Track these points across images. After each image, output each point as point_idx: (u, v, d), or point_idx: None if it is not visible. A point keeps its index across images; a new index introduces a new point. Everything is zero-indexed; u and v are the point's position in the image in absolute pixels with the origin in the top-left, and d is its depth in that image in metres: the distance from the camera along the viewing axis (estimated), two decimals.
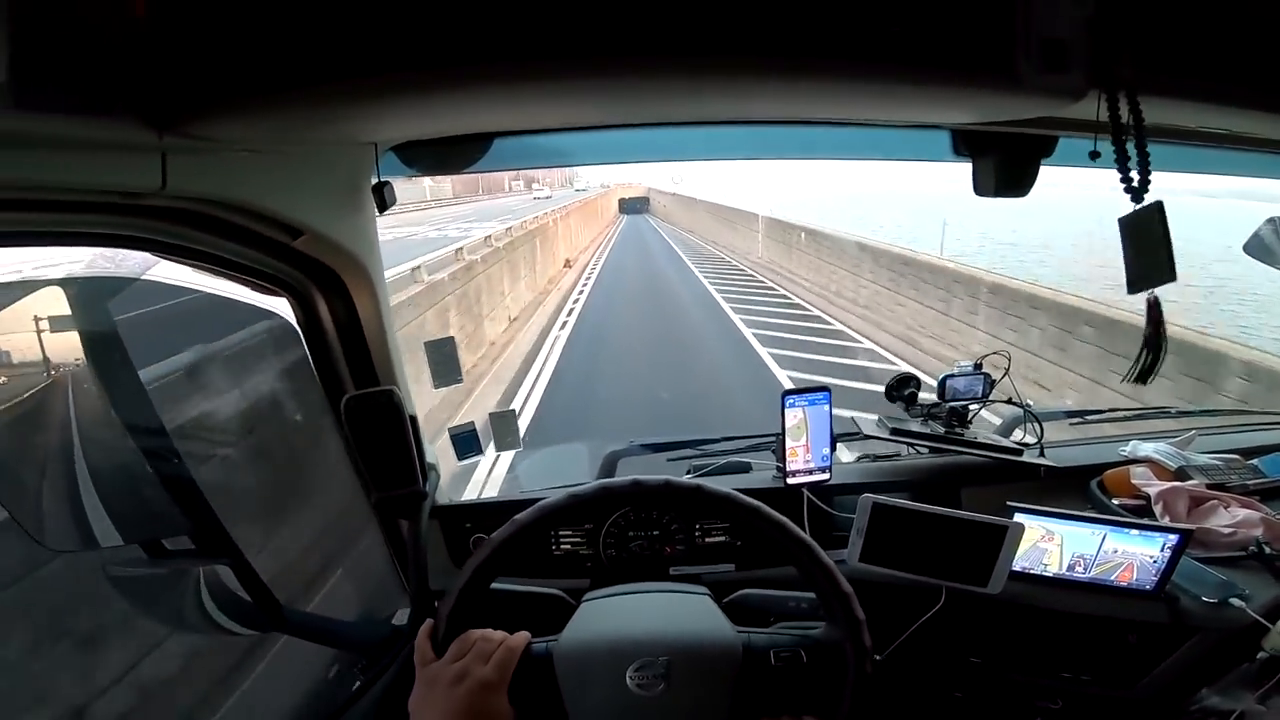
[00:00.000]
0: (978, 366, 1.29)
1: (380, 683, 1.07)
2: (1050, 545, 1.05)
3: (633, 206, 47.31)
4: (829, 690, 0.80)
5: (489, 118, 0.73)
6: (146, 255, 0.74)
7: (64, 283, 0.71)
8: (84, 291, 0.74)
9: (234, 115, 0.50)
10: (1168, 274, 0.59)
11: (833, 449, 1.21)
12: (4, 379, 0.79)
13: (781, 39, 0.45)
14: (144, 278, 0.80)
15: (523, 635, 0.76)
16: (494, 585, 0.81)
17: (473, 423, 1.31)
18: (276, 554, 1.22)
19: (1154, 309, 0.64)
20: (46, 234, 0.60)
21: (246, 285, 0.88)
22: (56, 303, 0.73)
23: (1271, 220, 1.09)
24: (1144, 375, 0.63)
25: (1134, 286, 0.61)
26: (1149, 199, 0.58)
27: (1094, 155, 0.59)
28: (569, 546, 1.21)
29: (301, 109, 0.50)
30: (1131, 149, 0.56)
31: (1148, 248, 0.60)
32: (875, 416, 1.33)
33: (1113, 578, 1.03)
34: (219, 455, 1.16)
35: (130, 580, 0.92)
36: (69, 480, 0.78)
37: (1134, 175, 0.57)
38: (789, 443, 1.18)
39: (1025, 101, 0.54)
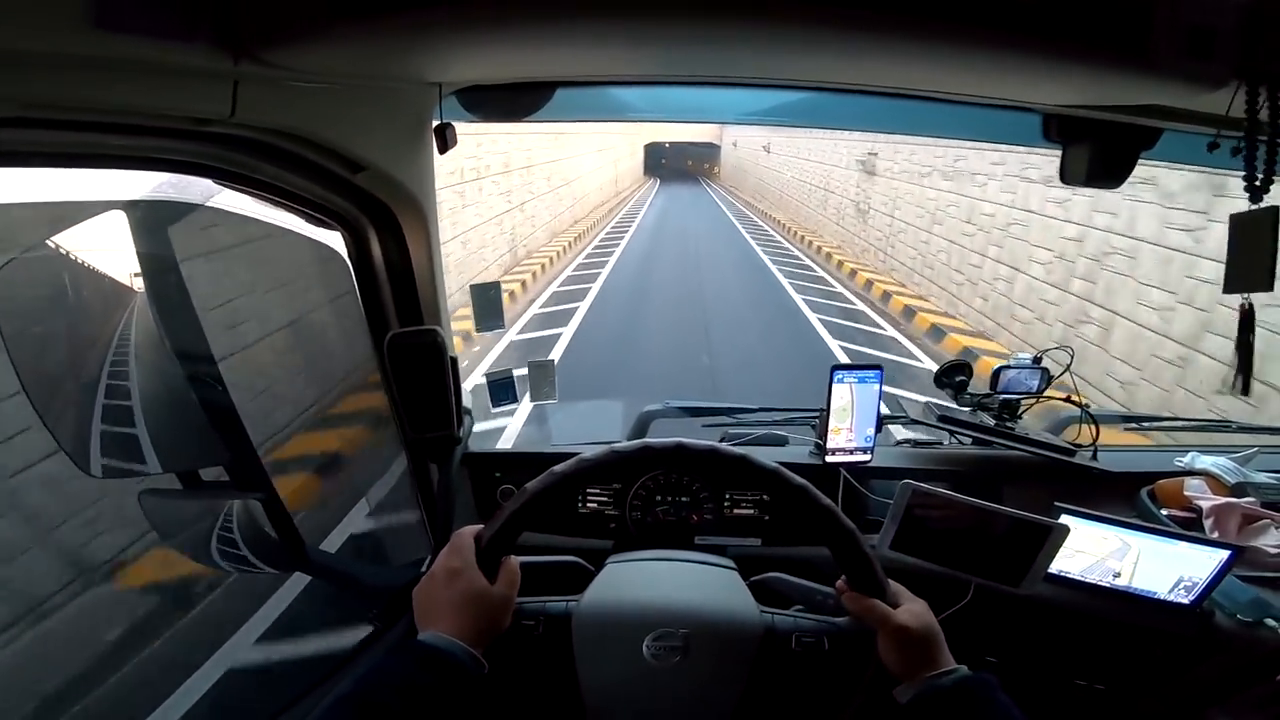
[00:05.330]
0: (1037, 360, 1.23)
1: (396, 628, 1.05)
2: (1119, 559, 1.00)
3: (675, 161, 27.21)
4: (845, 681, 0.80)
5: (553, 63, 0.72)
6: (209, 183, 0.73)
7: (128, 205, 0.71)
8: (147, 215, 0.74)
9: (307, 44, 0.49)
10: (1266, 282, 0.58)
11: (878, 430, 1.18)
12: (65, 299, 0.79)
13: None
14: (207, 204, 0.79)
15: (468, 528, 0.76)
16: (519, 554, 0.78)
17: (510, 371, 1.30)
18: (304, 492, 1.24)
19: (1246, 316, 0.62)
20: (116, 157, 0.60)
21: (303, 217, 0.87)
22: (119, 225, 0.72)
23: None
24: (1245, 387, 0.62)
25: (1230, 285, 0.59)
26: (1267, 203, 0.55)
27: (1213, 147, 0.56)
28: (595, 505, 1.21)
29: (372, 40, 0.50)
30: (1262, 147, 0.53)
31: (1253, 250, 0.57)
32: (923, 400, 1.29)
33: (1151, 587, 1.00)
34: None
35: (160, 509, 0.92)
36: (121, 403, 0.78)
37: (1259, 174, 0.54)
38: (832, 421, 1.15)
39: (1157, 86, 0.50)
